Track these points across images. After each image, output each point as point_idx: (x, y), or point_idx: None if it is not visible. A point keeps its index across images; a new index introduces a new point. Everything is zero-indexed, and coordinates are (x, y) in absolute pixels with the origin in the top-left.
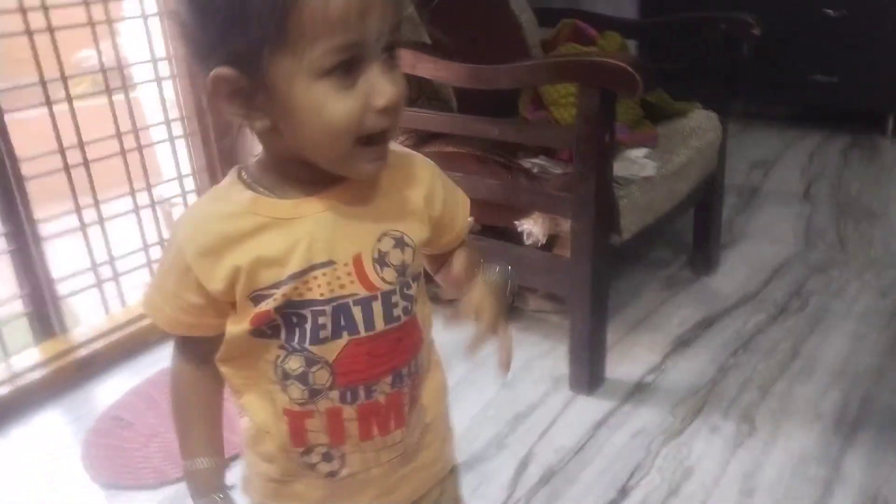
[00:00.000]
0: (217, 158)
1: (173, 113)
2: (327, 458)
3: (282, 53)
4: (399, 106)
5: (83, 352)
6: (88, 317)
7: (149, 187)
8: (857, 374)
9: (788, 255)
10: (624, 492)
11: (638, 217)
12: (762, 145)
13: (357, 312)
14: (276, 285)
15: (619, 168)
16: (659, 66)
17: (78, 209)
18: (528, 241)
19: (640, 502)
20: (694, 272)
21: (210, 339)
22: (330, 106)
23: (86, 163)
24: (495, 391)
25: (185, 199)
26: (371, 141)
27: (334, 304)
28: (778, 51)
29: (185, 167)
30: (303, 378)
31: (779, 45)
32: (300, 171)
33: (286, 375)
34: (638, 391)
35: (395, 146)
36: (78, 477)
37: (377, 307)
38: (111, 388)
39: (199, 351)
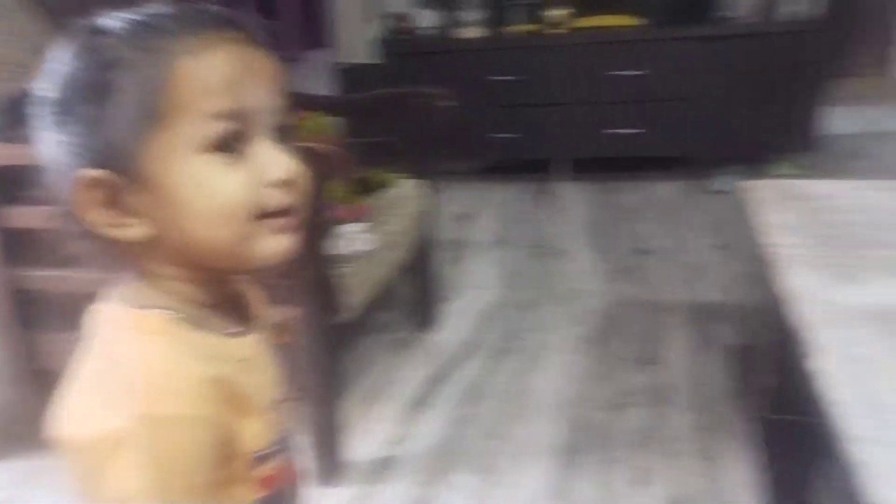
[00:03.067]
0: None
1: None
2: None
3: (156, 131)
4: (298, 182)
5: None
6: None
7: None
8: (571, 402)
9: (498, 300)
10: None
11: (364, 290)
12: (461, 199)
13: None
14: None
15: (339, 245)
16: (367, 140)
17: None
18: None
19: None
20: (418, 331)
21: None
22: (215, 180)
23: None
24: None
25: None
26: (272, 216)
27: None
28: (465, 115)
29: None
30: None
31: (465, 110)
32: (197, 291)
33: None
34: (385, 467)
35: None
36: None
37: None
38: None
39: None
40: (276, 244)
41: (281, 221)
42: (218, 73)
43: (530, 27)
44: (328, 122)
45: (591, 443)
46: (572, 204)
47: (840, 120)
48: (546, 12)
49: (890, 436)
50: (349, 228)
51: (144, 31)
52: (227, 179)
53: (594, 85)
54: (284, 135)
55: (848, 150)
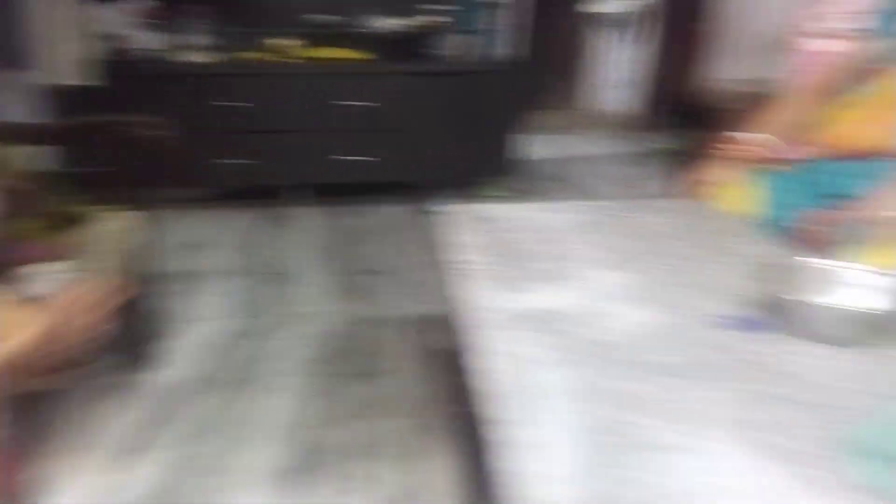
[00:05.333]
0: None
1: None
2: None
3: None
4: None
5: None
6: None
7: None
8: (298, 424)
9: (228, 330)
10: None
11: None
12: (194, 228)
13: None
14: None
15: (39, 286)
16: (72, 171)
17: None
18: None
19: None
20: (138, 371)
21: None
22: None
23: None
24: None
25: None
26: None
27: None
28: (191, 141)
29: None
30: None
31: (191, 136)
32: None
33: None
34: None
35: None
36: None
37: None
38: None
39: None
40: None
41: None
42: None
43: (258, 55)
44: (15, 153)
45: (317, 460)
46: (305, 229)
47: (539, 147)
48: (273, 41)
49: (529, 416)
50: (48, 268)
51: None
52: None
53: (322, 113)
54: None
55: (545, 173)
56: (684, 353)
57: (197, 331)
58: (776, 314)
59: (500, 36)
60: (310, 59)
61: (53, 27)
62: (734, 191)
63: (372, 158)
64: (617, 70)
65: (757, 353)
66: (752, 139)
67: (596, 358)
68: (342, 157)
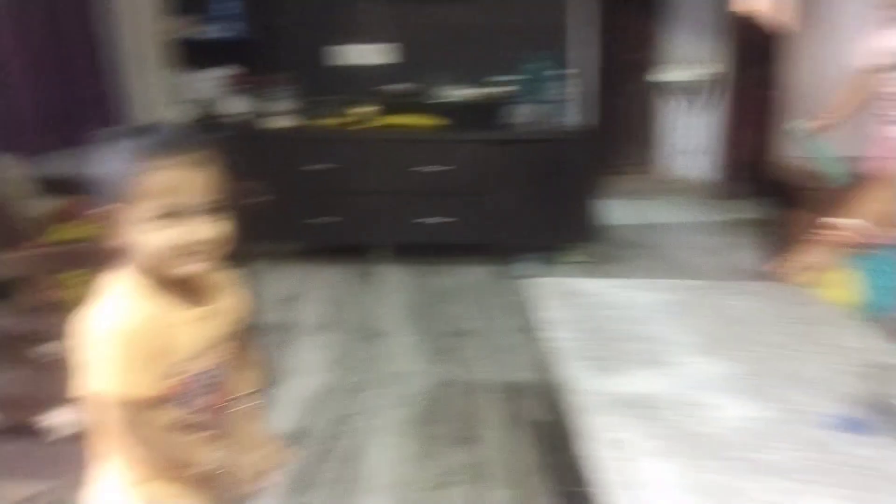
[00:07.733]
0: None
1: None
2: None
3: (137, 200)
4: (210, 239)
5: None
6: None
7: None
8: (397, 484)
9: (324, 385)
10: None
11: None
12: (286, 282)
13: None
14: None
15: None
16: None
17: None
18: (55, 436)
19: None
20: None
21: None
22: (153, 235)
23: None
24: None
25: None
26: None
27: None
28: (279, 201)
29: None
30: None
31: (279, 196)
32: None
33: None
34: None
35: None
36: None
37: None
38: None
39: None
40: (189, 268)
41: (195, 257)
42: (165, 184)
43: (338, 121)
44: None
45: None
46: (394, 287)
47: (617, 212)
48: (351, 108)
49: None
50: None
51: (147, 146)
52: (161, 235)
53: (401, 177)
54: (212, 210)
55: (626, 239)
56: (790, 452)
57: (295, 384)
58: (884, 417)
59: (570, 105)
60: (387, 125)
61: (148, 93)
62: (831, 277)
63: (451, 220)
64: (688, 137)
65: (867, 457)
66: (846, 224)
67: (700, 451)
68: (422, 220)
